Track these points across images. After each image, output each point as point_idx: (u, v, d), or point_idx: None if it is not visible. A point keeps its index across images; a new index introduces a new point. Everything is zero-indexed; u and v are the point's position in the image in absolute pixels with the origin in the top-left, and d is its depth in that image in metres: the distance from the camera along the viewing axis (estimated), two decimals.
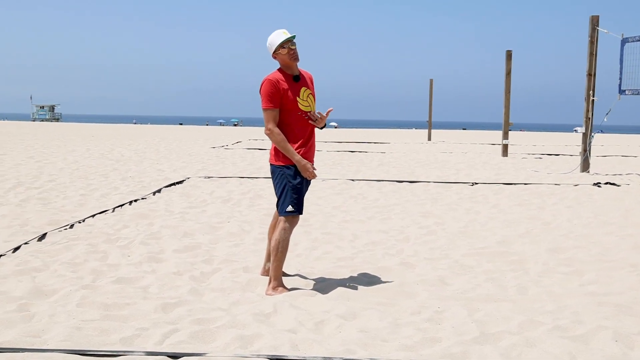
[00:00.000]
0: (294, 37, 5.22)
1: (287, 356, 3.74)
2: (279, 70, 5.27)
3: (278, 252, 5.20)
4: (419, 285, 5.52)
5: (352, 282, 5.57)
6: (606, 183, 13.01)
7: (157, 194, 10.72)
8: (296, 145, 5.18)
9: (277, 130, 5.10)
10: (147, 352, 3.76)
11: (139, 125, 67.76)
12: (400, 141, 31.85)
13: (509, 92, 20.32)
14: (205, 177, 13.13)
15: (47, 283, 5.28)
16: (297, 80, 5.24)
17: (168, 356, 3.71)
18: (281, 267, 5.26)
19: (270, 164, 5.32)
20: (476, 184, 12.82)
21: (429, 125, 34.12)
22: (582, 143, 15.26)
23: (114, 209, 9.04)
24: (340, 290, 5.28)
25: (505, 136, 20.57)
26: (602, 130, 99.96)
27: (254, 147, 23.73)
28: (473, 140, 35.35)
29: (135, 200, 9.82)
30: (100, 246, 6.70)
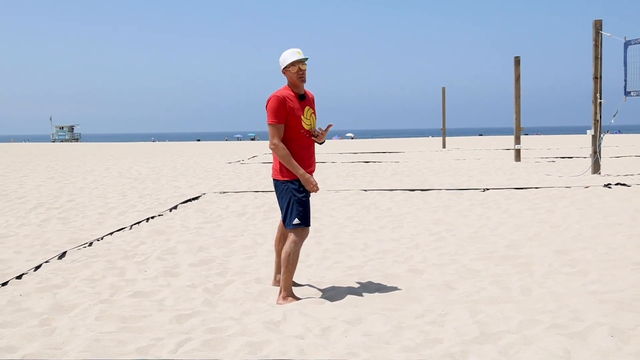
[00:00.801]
0: (306, 59, 5.45)
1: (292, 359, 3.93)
2: (287, 87, 5.49)
3: (289, 264, 5.40)
4: (425, 290, 5.70)
5: (360, 289, 5.76)
6: (616, 184, 13.08)
7: (173, 210, 10.97)
8: (299, 160, 5.39)
9: (282, 145, 5.31)
10: None
11: (158, 142, 68.32)
12: (415, 150, 31.96)
13: (519, 97, 20.42)
14: (220, 193, 13.37)
15: (67, 299, 5.51)
16: (303, 99, 5.46)
17: None
18: (291, 278, 5.45)
19: (274, 179, 5.52)
20: (488, 189, 12.95)
21: (443, 132, 34.23)
22: (592, 145, 15.35)
23: (132, 226, 9.29)
24: (348, 297, 5.47)
25: (518, 141, 20.64)
26: (620, 130, 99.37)
27: (269, 162, 23.97)
28: (488, 146, 35.37)
29: (152, 217, 10.07)
30: (118, 262, 6.94)
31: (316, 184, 5.40)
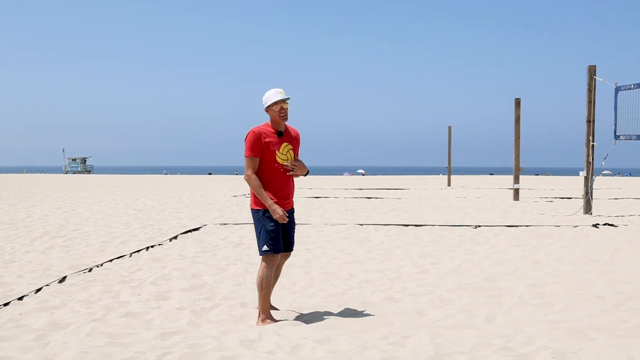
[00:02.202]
0: (288, 98, 5.93)
1: None
2: (267, 124, 5.97)
3: (262, 288, 5.83)
4: (396, 316, 6.11)
5: (336, 314, 6.17)
6: (604, 224, 13.46)
7: (173, 240, 11.43)
8: (274, 192, 5.84)
9: (254, 176, 5.79)
10: None
11: (169, 175, 68.99)
12: (420, 187, 32.40)
13: (519, 138, 20.87)
14: (221, 224, 13.83)
15: (63, 318, 5.96)
16: (281, 136, 5.92)
17: None
18: (267, 302, 5.88)
19: (251, 208, 5.99)
20: (479, 226, 13.35)
21: (449, 171, 34.70)
22: (584, 186, 15.75)
23: (131, 254, 9.75)
24: (323, 321, 5.89)
25: (517, 181, 21.05)
26: (631, 173, 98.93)
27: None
28: (494, 185, 35.76)
29: (152, 246, 10.53)
30: (114, 287, 7.39)
31: (283, 214, 5.80)
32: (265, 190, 5.82)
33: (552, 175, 77.75)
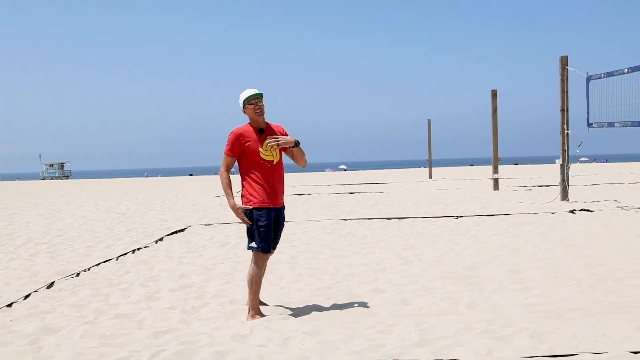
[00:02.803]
0: (260, 94, 6.07)
1: None
2: (248, 124, 6.12)
3: (252, 285, 6.00)
4: (382, 306, 6.30)
5: (324, 307, 6.35)
6: (581, 210, 13.75)
7: (159, 242, 11.54)
8: (264, 190, 5.99)
9: (226, 174, 6.01)
10: None
11: (150, 178, 68.76)
12: (402, 180, 32.64)
13: (497, 129, 21.17)
14: (205, 225, 13.95)
15: (54, 322, 6.07)
16: (262, 133, 6.07)
17: None
18: (257, 298, 6.05)
19: (242, 206, 6.14)
20: (460, 217, 13.58)
21: (429, 163, 34.99)
22: (561, 174, 16.05)
23: (118, 257, 9.85)
24: (311, 314, 6.07)
25: (496, 171, 21.35)
26: (607, 159, 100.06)
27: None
28: (474, 176, 36.10)
29: (138, 249, 10.64)
30: (103, 290, 7.51)
31: (245, 218, 5.94)
32: (256, 187, 5.97)
33: (531, 164, 78.42)
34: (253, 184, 6.00)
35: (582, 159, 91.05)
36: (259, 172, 6.01)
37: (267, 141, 6.01)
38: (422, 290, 6.98)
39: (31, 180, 73.38)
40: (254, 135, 6.02)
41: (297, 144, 6.15)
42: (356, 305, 6.38)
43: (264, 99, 6.09)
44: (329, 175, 47.11)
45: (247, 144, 5.98)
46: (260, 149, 6.00)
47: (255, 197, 5.98)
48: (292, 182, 34.12)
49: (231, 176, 6.18)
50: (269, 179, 6.04)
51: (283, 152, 6.23)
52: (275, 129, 6.20)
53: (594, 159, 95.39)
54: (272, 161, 6.07)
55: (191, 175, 79.04)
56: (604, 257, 8.39)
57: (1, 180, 74.66)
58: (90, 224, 15.05)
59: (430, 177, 34.16)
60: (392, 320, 5.70)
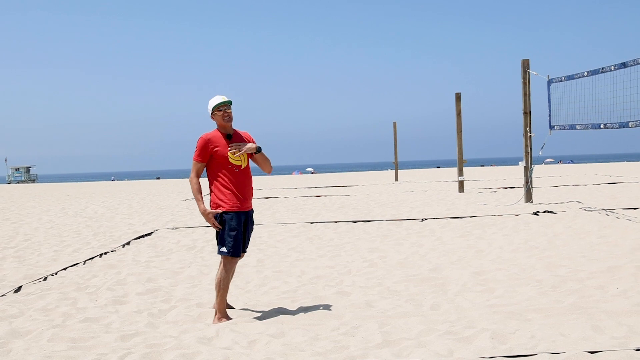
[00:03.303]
0: (229, 102, 6.18)
1: None
2: (216, 130, 6.22)
3: (220, 289, 6.09)
4: (347, 308, 6.42)
5: (289, 310, 6.45)
6: (544, 211, 14.01)
7: (126, 246, 11.54)
8: (233, 193, 6.08)
9: (196, 179, 6.10)
10: None
11: (117, 181, 68.23)
12: (368, 183, 32.82)
13: (461, 131, 21.43)
14: (173, 228, 13.97)
15: (22, 326, 6.09)
16: (230, 138, 6.17)
17: None
18: (223, 302, 6.13)
19: (211, 210, 6.23)
20: (426, 219, 13.76)
21: (396, 166, 35.23)
22: (524, 175, 16.32)
23: (85, 261, 9.86)
24: (277, 317, 6.18)
25: (460, 173, 21.61)
26: (573, 160, 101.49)
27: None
28: (440, 178, 36.41)
29: (105, 253, 10.64)
30: (71, 294, 7.53)
31: (214, 222, 6.05)
32: (225, 191, 6.06)
33: (497, 165, 79.28)
34: (222, 188, 6.09)
35: (548, 160, 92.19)
36: (228, 177, 6.10)
37: (229, 149, 6.10)
38: (386, 293, 7.12)
39: None
40: (222, 141, 6.12)
41: (258, 150, 6.27)
42: (321, 307, 6.49)
43: (232, 106, 6.21)
44: (295, 178, 47.18)
45: (216, 149, 6.08)
46: (229, 153, 6.10)
47: (225, 202, 6.07)
48: (259, 185, 34.15)
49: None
50: (237, 183, 6.13)
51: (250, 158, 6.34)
52: (242, 136, 6.31)
53: (559, 159, 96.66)
54: (241, 166, 6.17)
55: (158, 178, 78.64)
56: (566, 258, 8.60)
57: None
58: (58, 228, 14.97)
59: (396, 179, 34.41)
60: (356, 322, 5.82)
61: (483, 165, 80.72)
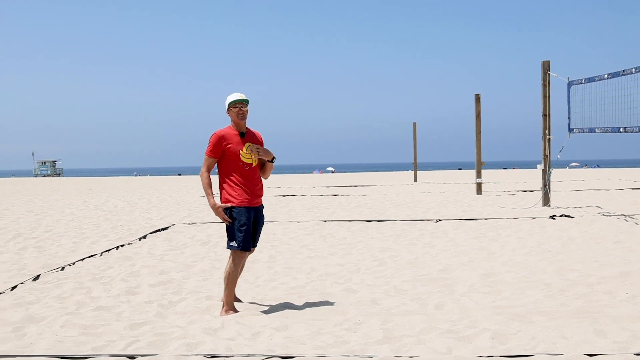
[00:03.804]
0: (246, 100, 6.31)
1: (219, 354, 4.75)
2: (230, 126, 6.35)
3: (228, 282, 6.23)
4: (352, 305, 6.51)
5: (296, 305, 6.56)
6: (561, 215, 14.01)
7: (142, 239, 11.74)
8: (243, 190, 6.22)
9: (206, 174, 6.23)
10: (111, 354, 4.80)
11: (140, 177, 68.80)
12: (387, 183, 32.90)
13: (480, 133, 21.41)
14: (189, 223, 14.16)
15: (38, 312, 6.29)
16: (243, 136, 6.31)
17: (127, 357, 4.75)
18: (231, 294, 6.27)
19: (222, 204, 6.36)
20: (440, 220, 13.82)
21: (415, 167, 35.25)
22: (542, 179, 16.30)
23: (102, 253, 10.06)
24: (283, 311, 6.29)
25: (479, 175, 21.61)
26: (599, 165, 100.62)
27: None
28: (459, 180, 36.38)
29: (122, 246, 10.84)
30: (86, 283, 7.72)
31: (225, 217, 6.18)
32: (235, 187, 6.19)
33: (520, 168, 78.92)
34: (232, 185, 6.22)
35: (573, 164, 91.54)
36: (239, 174, 6.23)
37: (249, 145, 6.23)
38: (393, 291, 7.20)
39: (23, 178, 73.38)
40: (235, 138, 6.25)
41: (273, 159, 6.42)
42: (327, 304, 6.59)
43: (248, 105, 6.34)
44: (315, 177, 47.35)
45: (229, 146, 6.21)
46: (241, 151, 6.23)
47: (235, 197, 6.21)
48: (278, 183, 34.34)
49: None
50: (248, 180, 6.26)
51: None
52: (255, 135, 6.45)
53: (584, 164, 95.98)
54: (252, 164, 6.30)
55: (179, 175, 79.16)
56: (579, 262, 8.61)
57: None
58: (78, 221, 15.24)
59: (415, 180, 34.44)
60: (359, 318, 5.92)
61: (506, 168, 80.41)
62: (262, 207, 6.46)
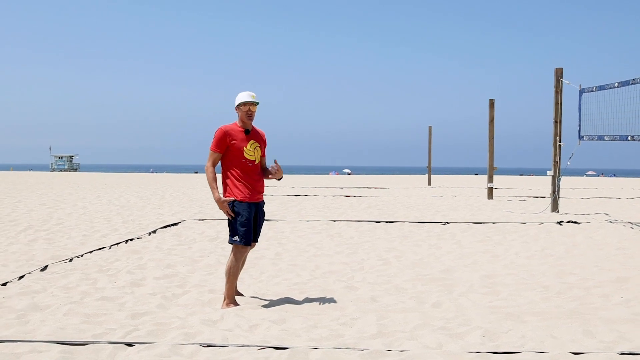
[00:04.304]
0: (256, 103, 6.44)
1: (215, 344, 4.89)
2: (236, 122, 6.48)
3: (230, 276, 6.36)
4: (351, 302, 6.62)
5: (296, 300, 6.68)
6: (568, 221, 14.04)
7: (152, 234, 11.90)
8: (245, 186, 6.35)
9: (211, 169, 6.34)
10: (109, 341, 4.94)
11: (155, 173, 69.17)
12: (401, 186, 32.95)
13: (493, 138, 21.45)
14: (199, 220, 14.32)
15: (43, 301, 6.45)
16: (248, 134, 6.44)
17: (125, 344, 4.89)
18: (232, 288, 6.40)
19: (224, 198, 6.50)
20: (448, 223, 13.89)
21: (429, 170, 35.29)
22: (552, 185, 16.33)
23: (111, 246, 10.22)
24: (283, 305, 6.42)
25: (490, 180, 21.64)
26: (615, 174, 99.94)
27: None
28: (473, 184, 36.38)
29: (131, 240, 11.01)
30: (92, 275, 7.88)
31: (229, 210, 6.29)
32: (237, 183, 6.33)
33: (536, 175, 78.65)
34: (235, 180, 6.35)
35: (589, 172, 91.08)
36: (241, 170, 6.36)
37: (277, 172, 6.46)
38: (393, 290, 7.30)
39: (40, 172, 74.02)
40: (240, 135, 6.38)
41: (280, 178, 6.60)
42: (327, 300, 6.71)
43: (257, 106, 6.48)
44: (331, 179, 47.47)
45: (233, 142, 6.34)
46: (244, 148, 6.36)
47: (237, 193, 6.34)
48: (291, 183, 34.47)
49: (219, 175, 6.54)
50: (250, 176, 6.39)
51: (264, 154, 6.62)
52: (259, 133, 6.58)
53: (601, 172, 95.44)
54: (254, 161, 6.43)
55: (196, 172, 79.52)
56: (579, 267, 8.69)
57: (13, 170, 75.34)
58: (89, 215, 15.44)
59: (429, 184, 34.48)
60: (356, 314, 6.03)
61: (522, 175, 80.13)
62: (263, 203, 6.60)
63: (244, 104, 6.38)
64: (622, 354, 4.79)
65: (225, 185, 6.44)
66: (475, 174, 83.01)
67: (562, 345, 5.05)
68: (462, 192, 27.47)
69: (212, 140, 6.38)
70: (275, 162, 6.52)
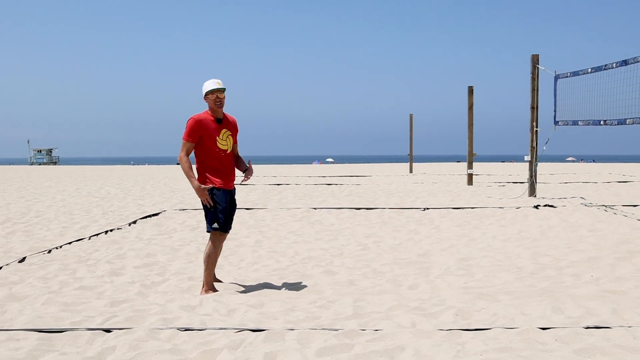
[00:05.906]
0: (223, 89, 6.47)
1: (193, 328, 4.96)
2: (206, 112, 6.52)
3: (208, 263, 6.42)
4: (329, 286, 6.72)
5: (275, 285, 6.77)
6: (545, 205, 14.21)
7: (132, 224, 11.92)
8: (218, 175, 6.40)
9: (186, 158, 6.35)
10: (87, 328, 5.00)
11: (137, 166, 68.87)
12: (382, 174, 33.03)
13: (472, 124, 21.58)
14: (180, 210, 14.34)
15: (21, 291, 6.47)
16: (220, 123, 6.48)
17: (103, 330, 4.95)
18: (211, 275, 6.46)
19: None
20: (427, 209, 14.01)
21: (410, 158, 35.40)
22: (529, 170, 16.49)
23: (90, 237, 10.24)
24: (261, 290, 6.50)
25: (470, 166, 21.79)
26: (594, 159, 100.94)
27: (236, 183, 24.89)
28: (454, 171, 36.52)
29: (111, 230, 11.02)
30: (71, 265, 7.91)
31: (208, 198, 6.34)
32: (212, 172, 6.38)
33: (517, 162, 79.16)
34: (210, 169, 6.40)
35: (569, 158, 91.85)
36: (214, 159, 6.41)
37: (245, 180, 6.59)
38: (371, 274, 7.41)
39: (19, 166, 73.51)
40: (212, 124, 6.42)
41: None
42: (305, 284, 6.80)
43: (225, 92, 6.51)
44: (313, 168, 47.49)
45: (206, 131, 6.38)
46: (217, 137, 6.40)
47: (215, 180, 6.39)
48: (274, 172, 34.48)
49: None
50: (223, 165, 6.46)
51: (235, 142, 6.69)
52: (230, 120, 6.62)
53: (581, 158, 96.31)
54: (227, 150, 6.48)
55: (178, 164, 79.15)
56: (553, 248, 8.85)
57: None
58: (69, 207, 15.41)
59: (411, 171, 34.61)
60: (334, 297, 6.13)
61: (503, 162, 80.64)
62: (234, 190, 6.66)
63: (211, 92, 6.40)
64: (587, 327, 4.93)
65: (200, 174, 6.48)
66: (458, 161, 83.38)
67: (531, 321, 5.18)
68: (442, 178, 27.61)
69: (184, 130, 6.39)
70: (249, 163, 6.61)
